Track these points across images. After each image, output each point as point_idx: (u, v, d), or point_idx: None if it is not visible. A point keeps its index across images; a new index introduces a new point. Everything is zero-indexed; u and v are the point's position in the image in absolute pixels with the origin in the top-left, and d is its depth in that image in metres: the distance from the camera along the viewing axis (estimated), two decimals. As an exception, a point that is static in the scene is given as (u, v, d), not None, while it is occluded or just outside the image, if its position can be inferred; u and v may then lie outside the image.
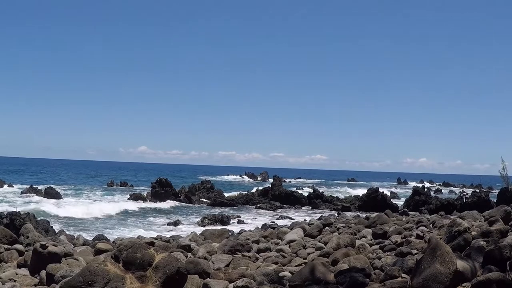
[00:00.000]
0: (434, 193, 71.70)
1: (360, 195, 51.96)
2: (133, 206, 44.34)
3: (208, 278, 11.88)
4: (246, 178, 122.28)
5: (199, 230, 24.58)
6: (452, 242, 12.57)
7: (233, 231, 25.84)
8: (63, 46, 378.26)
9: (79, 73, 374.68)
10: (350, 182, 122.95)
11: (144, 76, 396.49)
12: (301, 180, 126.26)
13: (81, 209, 38.94)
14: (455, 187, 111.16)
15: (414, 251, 13.87)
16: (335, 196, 57.03)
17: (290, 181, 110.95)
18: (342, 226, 22.31)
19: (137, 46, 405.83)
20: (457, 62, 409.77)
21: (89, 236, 24.04)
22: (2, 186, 60.37)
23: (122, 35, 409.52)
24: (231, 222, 35.36)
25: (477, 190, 59.82)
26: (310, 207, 49.74)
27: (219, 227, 28.50)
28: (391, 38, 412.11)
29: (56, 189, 50.82)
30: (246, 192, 59.97)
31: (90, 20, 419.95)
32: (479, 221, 17.89)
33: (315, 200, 51.24)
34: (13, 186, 61.39)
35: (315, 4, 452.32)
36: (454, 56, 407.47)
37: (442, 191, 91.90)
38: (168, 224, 33.71)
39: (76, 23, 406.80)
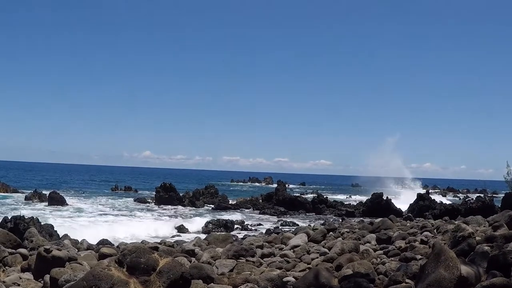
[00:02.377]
0: (438, 197, 71.61)
1: (364, 200, 51.87)
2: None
3: (212, 283, 11.89)
4: (250, 183, 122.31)
5: (203, 235, 24.60)
6: (457, 247, 12.55)
7: (237, 236, 25.84)
8: (69, 51, 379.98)
9: (83, 78, 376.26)
10: (354, 188, 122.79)
11: (148, 81, 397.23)
12: (305, 185, 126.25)
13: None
14: (460, 192, 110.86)
15: (418, 256, 13.85)
16: (339, 201, 56.98)
17: (292, 188, 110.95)
18: (346, 231, 22.28)
19: (141, 51, 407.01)
20: (461, 66, 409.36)
21: (93, 241, 24.03)
22: (7, 191, 60.35)
23: (126, 40, 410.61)
24: (235, 227, 35.33)
25: (482, 195, 59.70)
26: (314, 212, 49.64)
27: (223, 232, 28.49)
28: (393, 42, 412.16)
29: (60, 194, 50.66)
30: (250, 197, 59.96)
31: (96, 24, 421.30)
32: (484, 226, 17.85)
33: (319, 205, 51.16)
34: (18, 191, 61.34)
35: (318, 9, 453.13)
36: (458, 60, 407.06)
37: (447, 196, 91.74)
38: (172, 229, 33.69)
39: (82, 27, 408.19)
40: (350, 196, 79.40)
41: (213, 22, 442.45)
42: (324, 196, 55.84)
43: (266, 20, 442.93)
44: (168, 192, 53.08)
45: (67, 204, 47.44)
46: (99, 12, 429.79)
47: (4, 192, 59.01)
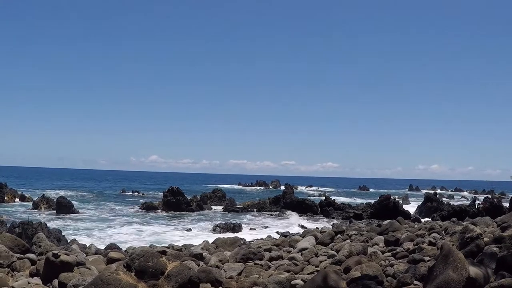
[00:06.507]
0: (446, 199, 71.49)
1: (372, 202, 51.74)
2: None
3: (220, 287, 11.87)
4: (257, 187, 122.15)
5: (211, 238, 24.57)
6: (465, 249, 12.50)
7: (245, 239, 25.80)
8: (77, 60, 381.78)
9: (90, 85, 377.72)
10: (362, 191, 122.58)
11: (155, 86, 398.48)
12: (312, 188, 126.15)
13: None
14: (467, 193, 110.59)
15: (427, 258, 13.79)
16: (346, 203, 56.88)
17: (302, 189, 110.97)
18: (354, 234, 22.22)
19: (147, 57, 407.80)
20: (467, 69, 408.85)
21: (101, 245, 24.08)
22: (15, 197, 60.32)
23: (132, 46, 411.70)
24: (243, 230, 35.33)
25: (489, 196, 59.53)
26: (322, 215, 49.58)
27: (231, 235, 28.46)
28: (402, 47, 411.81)
29: (68, 199, 50.36)
30: (258, 200, 59.94)
31: (104, 30, 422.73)
32: (492, 227, 17.79)
33: (327, 207, 51.05)
34: (25, 196, 61.23)
35: (327, 15, 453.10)
36: (464, 62, 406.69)
37: (454, 197, 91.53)
38: (180, 232, 33.68)
39: (90, 34, 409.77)
40: (357, 199, 79.22)
41: (221, 29, 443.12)
42: (332, 199, 55.76)
43: (275, 29, 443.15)
44: (175, 196, 53.02)
45: (74, 211, 46.68)
46: (111, 19, 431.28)
47: (12, 198, 58.90)
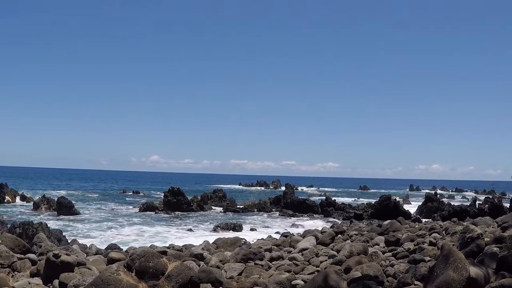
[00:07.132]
0: (446, 199, 71.45)
1: (373, 202, 51.69)
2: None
3: (220, 287, 11.86)
4: (258, 187, 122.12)
5: (211, 238, 24.58)
6: (465, 249, 12.49)
7: (246, 239, 25.80)
8: (79, 61, 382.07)
9: (92, 86, 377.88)
10: (363, 191, 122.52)
11: (156, 86, 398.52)
12: (313, 188, 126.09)
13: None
14: (468, 193, 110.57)
15: (427, 258, 13.79)
16: (347, 203, 56.88)
17: (302, 189, 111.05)
18: (354, 234, 22.22)
19: (149, 56, 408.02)
20: (468, 71, 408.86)
21: (101, 245, 24.07)
22: (15, 197, 60.23)
23: (135, 45, 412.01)
24: (243, 230, 35.31)
25: (490, 196, 59.53)
26: (323, 215, 49.54)
27: (231, 235, 28.44)
28: (402, 47, 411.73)
29: (68, 199, 50.12)
30: (259, 201, 59.90)
31: (107, 31, 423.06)
32: (492, 227, 17.78)
33: (328, 208, 51.05)
34: (26, 197, 61.16)
35: (326, 18, 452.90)
36: (465, 63, 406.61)
37: (455, 197, 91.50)
38: (181, 232, 33.65)
39: (91, 33, 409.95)
40: (358, 199, 79.25)
41: (222, 29, 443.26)
42: (333, 199, 55.77)
43: (274, 29, 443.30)
44: (176, 196, 52.97)
45: (75, 211, 46.31)
46: (113, 18, 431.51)
47: (12, 198, 58.81)
